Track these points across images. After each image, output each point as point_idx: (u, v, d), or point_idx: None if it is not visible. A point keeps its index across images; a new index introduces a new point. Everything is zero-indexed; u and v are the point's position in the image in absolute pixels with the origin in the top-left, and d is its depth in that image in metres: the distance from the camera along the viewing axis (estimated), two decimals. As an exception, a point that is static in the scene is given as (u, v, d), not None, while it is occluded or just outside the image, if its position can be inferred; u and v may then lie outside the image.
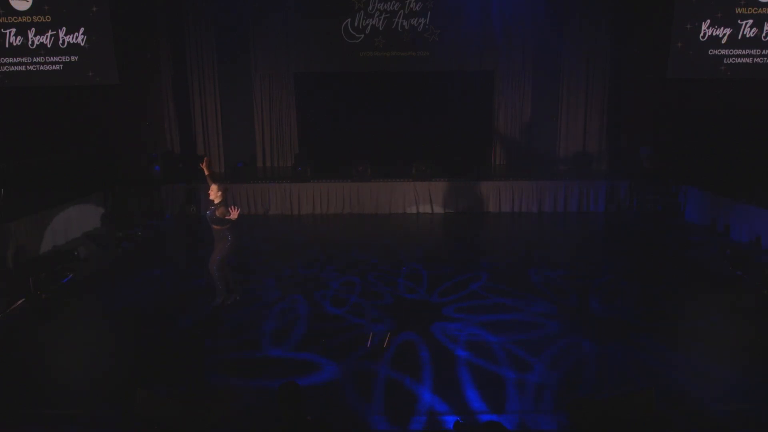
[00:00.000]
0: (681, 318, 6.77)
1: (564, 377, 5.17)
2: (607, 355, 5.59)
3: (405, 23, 13.76)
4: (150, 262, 9.40)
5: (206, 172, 6.95)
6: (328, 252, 9.54)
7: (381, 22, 13.77)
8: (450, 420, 4.46)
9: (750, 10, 11.23)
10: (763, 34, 11.29)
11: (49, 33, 10.86)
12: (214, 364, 5.67)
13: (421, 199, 12.77)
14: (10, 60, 10.83)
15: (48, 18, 10.82)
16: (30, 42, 10.81)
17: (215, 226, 6.79)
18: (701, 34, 11.48)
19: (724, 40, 11.42)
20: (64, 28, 10.91)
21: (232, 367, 5.59)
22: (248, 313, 6.94)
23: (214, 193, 6.77)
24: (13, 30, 10.71)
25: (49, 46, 10.90)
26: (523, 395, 4.85)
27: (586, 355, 5.57)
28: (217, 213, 6.70)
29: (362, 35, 13.85)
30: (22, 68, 10.91)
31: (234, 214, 6.50)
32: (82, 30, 10.98)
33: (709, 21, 11.40)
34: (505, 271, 8.36)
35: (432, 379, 5.16)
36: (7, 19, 10.64)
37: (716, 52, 11.51)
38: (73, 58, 11.07)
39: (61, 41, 10.94)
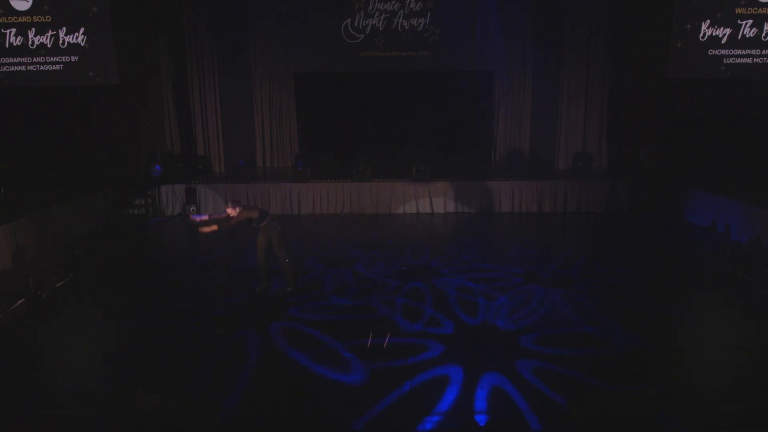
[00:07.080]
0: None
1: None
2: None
3: (405, 23, 13.75)
4: (150, 262, 9.39)
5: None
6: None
7: (381, 22, 13.76)
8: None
9: (750, 10, 11.22)
10: (763, 34, 11.28)
11: (49, 33, 10.85)
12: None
13: (421, 199, 12.77)
14: (10, 60, 10.81)
15: (48, 18, 10.81)
16: (30, 42, 10.80)
17: (255, 225, 7.72)
18: (701, 34, 11.47)
19: (724, 40, 11.41)
20: (64, 28, 10.90)
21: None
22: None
23: (232, 210, 7.52)
24: (13, 30, 10.69)
25: (49, 46, 10.88)
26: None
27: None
28: (231, 222, 7.52)
29: (362, 35, 13.84)
30: (23, 68, 10.89)
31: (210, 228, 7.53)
32: (82, 30, 10.97)
33: (708, 21, 11.40)
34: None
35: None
36: (7, 19, 10.63)
37: (716, 52, 11.50)
38: (73, 58, 11.05)
39: (61, 41, 10.93)
